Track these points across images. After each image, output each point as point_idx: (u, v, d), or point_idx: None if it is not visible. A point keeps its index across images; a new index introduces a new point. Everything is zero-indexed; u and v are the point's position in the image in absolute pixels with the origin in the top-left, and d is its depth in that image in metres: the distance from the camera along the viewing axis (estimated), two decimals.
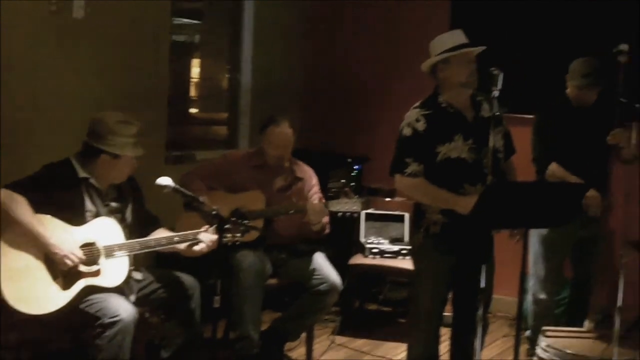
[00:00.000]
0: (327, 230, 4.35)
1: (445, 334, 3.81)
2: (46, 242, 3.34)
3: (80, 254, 3.39)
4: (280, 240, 4.38)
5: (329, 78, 6.36)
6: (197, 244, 3.69)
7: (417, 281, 3.77)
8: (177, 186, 3.45)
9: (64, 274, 3.39)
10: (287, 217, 4.31)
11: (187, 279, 3.86)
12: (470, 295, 3.51)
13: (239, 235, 3.43)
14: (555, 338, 4.00)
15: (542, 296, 4.52)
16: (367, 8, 6.21)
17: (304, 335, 4.57)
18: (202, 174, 4.44)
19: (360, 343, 4.98)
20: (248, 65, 6.09)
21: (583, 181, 4.08)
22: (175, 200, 3.87)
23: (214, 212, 3.32)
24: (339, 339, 5.00)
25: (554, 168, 4.30)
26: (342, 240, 5.11)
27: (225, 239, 3.34)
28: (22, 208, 3.35)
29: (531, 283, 4.55)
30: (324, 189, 4.69)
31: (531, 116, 4.56)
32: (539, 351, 4.00)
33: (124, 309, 3.38)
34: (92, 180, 3.58)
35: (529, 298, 4.56)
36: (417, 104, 3.68)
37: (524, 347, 4.49)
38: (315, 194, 4.50)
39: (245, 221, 3.47)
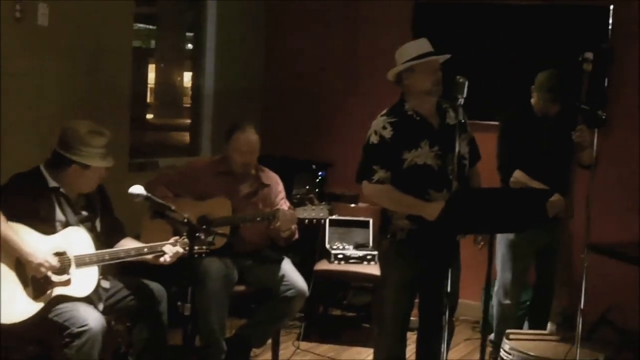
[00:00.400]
0: (296, 237, 4.38)
1: (411, 337, 3.85)
2: (20, 249, 3.32)
3: (54, 261, 3.37)
4: (247, 247, 4.39)
5: (291, 84, 6.38)
6: (162, 255, 3.70)
7: (383, 286, 3.80)
8: (150, 195, 3.44)
9: (34, 283, 3.36)
10: (254, 224, 4.33)
11: (154, 286, 3.86)
12: (437, 299, 3.54)
13: (207, 245, 3.45)
14: (518, 341, 4.08)
15: (507, 301, 4.59)
16: (329, 15, 6.26)
17: (269, 341, 4.58)
18: (167, 181, 4.43)
19: (325, 348, 5.01)
20: (210, 72, 6.09)
21: (546, 187, 4.17)
22: (137, 207, 3.87)
23: (185, 220, 3.32)
24: (304, 345, 5.02)
25: (517, 175, 4.38)
26: (306, 246, 5.13)
27: (196, 251, 3.34)
28: None
29: (496, 287, 4.62)
30: (289, 195, 4.71)
31: (495, 123, 4.63)
32: (502, 354, 4.07)
33: (92, 318, 3.37)
34: (63, 190, 3.56)
35: (493, 302, 4.63)
36: (384, 111, 3.72)
37: (487, 350, 4.55)
38: (281, 200, 4.52)
39: (214, 229, 3.49)
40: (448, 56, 3.70)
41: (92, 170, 3.58)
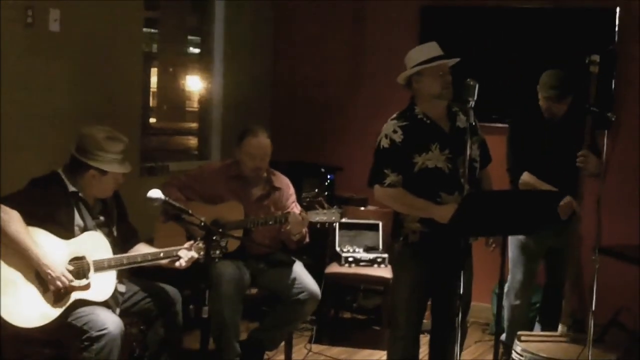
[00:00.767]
0: (307, 240, 4.41)
1: (423, 340, 3.88)
2: (39, 262, 3.36)
3: (70, 275, 3.41)
4: (259, 251, 4.43)
5: (299, 89, 6.42)
6: (178, 259, 3.74)
7: (396, 289, 3.84)
8: (168, 199, 3.48)
9: (54, 289, 3.40)
10: (266, 227, 4.36)
11: (169, 289, 3.90)
12: (449, 302, 3.57)
13: (222, 248, 3.48)
14: (530, 342, 4.12)
15: (517, 302, 4.62)
16: (336, 19, 6.29)
17: (282, 344, 4.61)
18: (179, 185, 4.47)
19: (336, 351, 5.04)
20: (219, 76, 6.13)
21: (555, 189, 4.18)
22: (149, 211, 3.91)
23: (202, 224, 3.36)
24: (316, 347, 5.05)
25: (526, 177, 4.40)
26: (316, 249, 5.16)
27: (213, 255, 3.37)
28: (16, 223, 3.36)
29: (506, 289, 4.64)
30: (298, 198, 4.74)
31: (504, 125, 4.66)
32: (514, 355, 4.09)
33: (111, 322, 3.40)
34: (81, 194, 3.60)
35: (504, 303, 4.65)
36: (394, 115, 3.75)
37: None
38: (292, 203, 4.56)
39: (229, 232, 3.52)
40: (457, 60, 3.73)
41: (109, 176, 3.61)
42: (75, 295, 3.44)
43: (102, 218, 3.70)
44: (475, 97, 3.45)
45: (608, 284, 4.16)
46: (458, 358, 3.49)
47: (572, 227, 4.51)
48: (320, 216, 4.27)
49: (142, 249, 3.80)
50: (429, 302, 3.84)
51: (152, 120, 5.83)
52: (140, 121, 5.30)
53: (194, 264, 3.77)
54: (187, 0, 6.05)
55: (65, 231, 3.50)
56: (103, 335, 3.35)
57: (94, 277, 3.50)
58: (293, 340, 4.75)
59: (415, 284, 3.71)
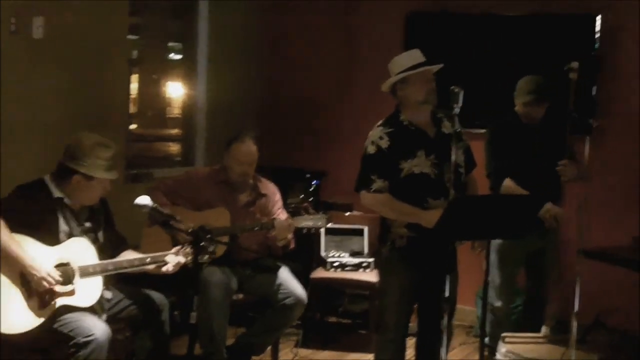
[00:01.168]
0: (292, 246, 4.44)
1: (409, 342, 3.92)
2: (24, 263, 3.35)
3: (56, 275, 3.41)
4: (245, 256, 4.44)
5: (284, 94, 6.44)
6: (165, 264, 3.75)
7: (383, 293, 3.87)
8: (156, 205, 3.49)
9: (39, 293, 3.40)
10: (252, 233, 4.38)
11: (156, 295, 3.91)
12: (435, 305, 3.60)
13: (210, 254, 3.50)
14: (514, 344, 4.15)
15: (498, 304, 4.65)
16: (323, 25, 6.33)
17: (268, 348, 4.63)
18: (165, 190, 4.48)
19: (323, 355, 5.07)
20: (203, 83, 6.14)
21: (535, 194, 4.23)
22: (134, 218, 3.93)
23: (190, 231, 3.38)
24: (303, 352, 5.07)
25: (507, 184, 4.44)
26: (302, 254, 5.18)
27: (201, 260, 3.39)
28: (0, 230, 3.35)
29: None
30: (284, 204, 4.77)
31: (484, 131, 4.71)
32: (498, 356, 4.14)
33: (98, 328, 3.41)
34: (67, 201, 3.60)
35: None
36: (380, 122, 3.79)
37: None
38: (279, 209, 4.58)
39: (218, 238, 3.54)
40: (440, 66, 3.78)
41: (96, 182, 3.62)
42: (60, 301, 3.44)
43: (88, 224, 3.71)
44: (460, 104, 3.49)
45: (590, 286, 4.21)
46: None
47: (553, 230, 4.57)
48: (306, 221, 4.31)
49: (129, 256, 3.81)
50: (415, 306, 3.88)
51: (133, 126, 5.82)
52: (125, 128, 5.30)
53: (181, 270, 3.79)
54: (169, 4, 6.03)
55: (51, 237, 3.51)
56: (90, 341, 3.36)
57: (79, 282, 3.50)
58: (280, 345, 4.77)
59: (402, 287, 3.75)
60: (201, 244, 3.35)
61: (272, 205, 4.58)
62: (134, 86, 5.58)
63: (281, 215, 4.51)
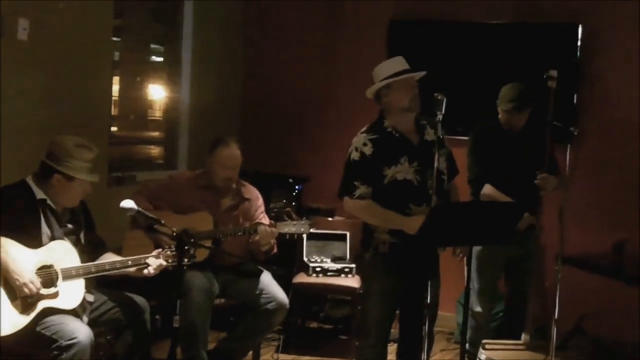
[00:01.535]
0: (275, 251, 4.44)
1: (391, 348, 3.95)
2: (6, 267, 3.34)
3: (38, 282, 3.40)
4: (228, 261, 4.44)
5: (267, 99, 6.45)
6: (146, 267, 3.75)
7: (366, 298, 3.90)
8: (141, 209, 3.49)
9: (22, 297, 3.39)
10: (235, 237, 4.38)
11: (137, 299, 3.91)
12: (417, 311, 3.64)
13: (191, 258, 3.51)
14: (494, 351, 4.19)
15: (478, 309, 4.69)
16: (307, 29, 6.36)
17: (250, 353, 4.64)
18: (148, 195, 4.47)
19: None
20: (186, 85, 6.14)
21: (515, 201, 4.26)
22: (116, 221, 3.91)
23: (174, 234, 3.38)
24: (283, 357, 5.07)
25: (487, 190, 4.48)
26: (284, 259, 5.18)
27: (184, 262, 3.40)
28: None
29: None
30: (266, 209, 4.78)
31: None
32: None
33: (81, 331, 3.41)
34: (49, 202, 3.60)
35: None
36: (364, 128, 3.82)
37: None
38: (261, 214, 4.59)
39: (200, 242, 3.55)
40: (423, 73, 3.82)
41: (76, 183, 3.62)
42: (43, 304, 3.43)
43: (69, 226, 3.70)
44: (443, 111, 3.53)
45: (570, 293, 4.25)
46: None
47: (534, 236, 4.62)
48: (289, 227, 4.32)
49: (110, 259, 3.80)
50: (397, 312, 3.90)
51: (114, 129, 5.83)
52: (108, 130, 5.29)
53: (163, 273, 3.79)
54: (151, 6, 6.02)
55: (33, 240, 3.50)
56: (73, 344, 3.35)
57: (62, 285, 3.50)
58: (261, 350, 4.78)
59: (385, 293, 3.77)
60: (185, 248, 3.35)
61: (255, 210, 4.59)
62: (115, 88, 5.57)
63: (264, 220, 4.52)
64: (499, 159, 4.52)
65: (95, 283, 3.84)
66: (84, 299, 3.62)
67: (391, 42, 5.87)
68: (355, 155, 3.73)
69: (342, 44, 6.24)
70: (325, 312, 5.79)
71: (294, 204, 5.74)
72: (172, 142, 6.19)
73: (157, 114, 6.40)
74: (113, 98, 5.50)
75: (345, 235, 5.47)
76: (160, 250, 3.81)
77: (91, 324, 3.65)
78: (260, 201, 4.67)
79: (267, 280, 4.47)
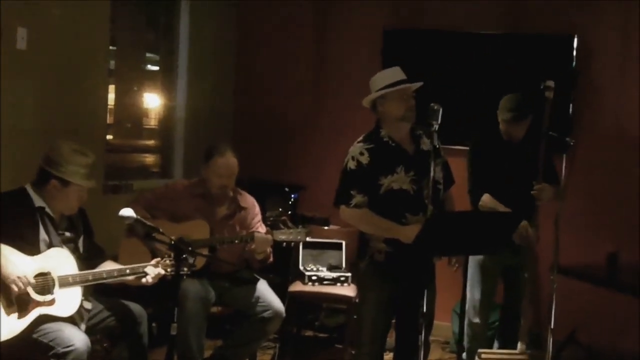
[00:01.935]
0: (271, 260, 4.45)
1: (385, 357, 3.95)
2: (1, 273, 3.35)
3: (31, 277, 3.40)
4: (224, 269, 4.45)
5: (262, 107, 6.46)
6: (144, 276, 3.76)
7: (361, 307, 3.91)
8: (139, 217, 3.51)
9: (18, 302, 3.40)
10: (230, 245, 4.40)
11: (134, 307, 3.91)
12: (413, 319, 3.63)
13: (190, 266, 3.52)
14: None
15: (476, 320, 4.70)
16: (300, 38, 6.38)
17: None
18: (145, 204, 4.48)
19: None
20: (182, 94, 6.16)
21: (513, 211, 4.28)
22: (113, 229, 3.91)
23: (172, 243, 3.39)
24: None
25: (486, 199, 4.50)
26: (280, 268, 5.20)
27: (182, 271, 3.41)
28: None
29: (466, 307, 4.72)
30: (262, 217, 4.78)
31: (464, 147, 4.76)
32: None
33: (78, 338, 3.41)
34: (48, 210, 3.61)
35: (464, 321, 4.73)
36: (361, 138, 3.84)
37: None
38: (258, 223, 4.60)
39: (197, 250, 3.56)
40: (420, 84, 3.84)
41: (72, 189, 3.63)
42: (39, 310, 3.43)
43: (67, 234, 3.71)
44: (439, 121, 3.55)
45: (565, 302, 4.27)
46: None
47: (529, 246, 4.63)
48: (286, 235, 4.34)
49: (108, 267, 3.81)
50: (393, 321, 3.91)
51: (110, 137, 5.85)
52: (104, 138, 5.30)
53: (160, 281, 3.80)
54: (146, 15, 6.05)
55: (31, 247, 3.51)
56: (69, 351, 3.36)
57: (58, 292, 3.50)
58: (256, 358, 4.78)
59: (380, 302, 3.78)
60: (182, 256, 3.36)
61: (252, 219, 4.60)
62: (111, 96, 5.58)
63: (260, 228, 4.53)
64: (498, 169, 4.54)
65: (93, 290, 3.85)
66: (81, 306, 3.62)
67: (386, 52, 5.88)
68: (351, 165, 3.75)
69: (335, 54, 6.26)
70: (320, 321, 5.79)
71: (289, 212, 5.74)
72: (168, 150, 6.21)
73: (153, 122, 6.42)
74: (109, 106, 5.51)
75: (341, 244, 5.48)
76: (158, 259, 3.81)
77: (88, 332, 3.65)
78: (257, 209, 4.68)
79: (263, 288, 4.48)
